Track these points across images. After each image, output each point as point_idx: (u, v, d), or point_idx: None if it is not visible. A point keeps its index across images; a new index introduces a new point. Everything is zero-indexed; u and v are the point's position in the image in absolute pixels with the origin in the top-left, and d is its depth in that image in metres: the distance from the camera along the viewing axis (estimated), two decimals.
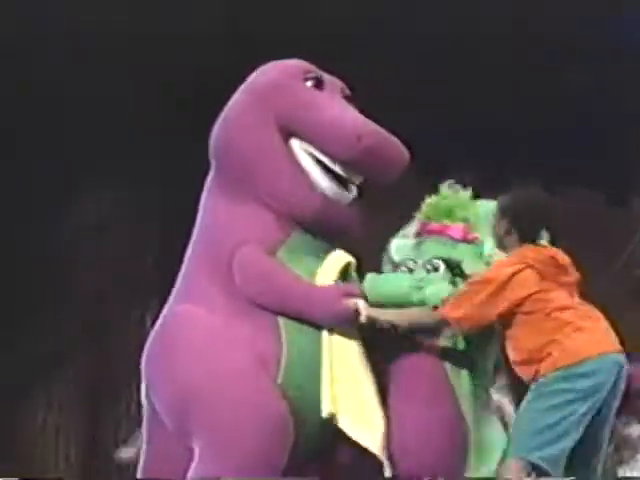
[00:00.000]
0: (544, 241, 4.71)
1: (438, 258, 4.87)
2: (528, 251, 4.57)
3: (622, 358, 4.56)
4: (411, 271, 4.89)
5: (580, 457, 4.43)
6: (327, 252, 4.84)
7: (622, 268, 10.15)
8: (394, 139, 4.90)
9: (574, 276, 4.66)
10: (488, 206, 4.98)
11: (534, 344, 4.49)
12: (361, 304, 4.62)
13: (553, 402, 4.41)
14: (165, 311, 4.99)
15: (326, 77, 5.13)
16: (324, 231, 4.87)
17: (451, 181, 5.14)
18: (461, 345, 4.83)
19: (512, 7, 9.54)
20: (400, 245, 5.14)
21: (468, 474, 4.73)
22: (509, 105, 9.73)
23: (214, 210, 5.06)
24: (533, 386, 4.48)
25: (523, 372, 4.56)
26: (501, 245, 4.72)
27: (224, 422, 4.53)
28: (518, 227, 4.61)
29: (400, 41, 9.72)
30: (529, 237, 4.60)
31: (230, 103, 5.09)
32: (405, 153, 4.92)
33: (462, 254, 4.89)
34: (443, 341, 4.84)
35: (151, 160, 9.80)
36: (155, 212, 10.05)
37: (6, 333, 9.76)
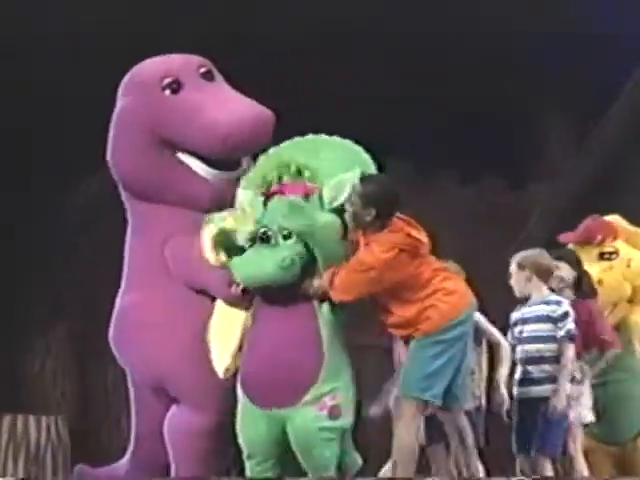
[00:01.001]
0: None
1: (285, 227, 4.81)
2: (394, 237, 4.73)
3: (474, 309, 5.02)
4: (269, 238, 4.79)
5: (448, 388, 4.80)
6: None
7: (521, 246, 10.73)
8: (256, 117, 4.98)
9: (427, 242, 4.84)
10: (321, 151, 4.96)
11: (411, 312, 4.76)
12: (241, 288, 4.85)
13: (434, 352, 4.69)
14: (120, 300, 5.28)
15: (181, 72, 5.13)
16: (220, 207, 4.99)
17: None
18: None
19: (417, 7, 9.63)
20: (251, 200, 4.97)
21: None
22: (427, 100, 9.85)
23: (137, 214, 5.28)
24: (415, 341, 4.78)
25: (399, 333, 4.95)
26: (360, 225, 4.77)
27: (186, 387, 4.96)
28: (383, 215, 4.74)
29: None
30: (388, 222, 4.74)
31: (113, 118, 5.25)
32: (267, 125, 5.02)
33: (310, 211, 4.80)
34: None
35: None
36: None
37: (10, 290, 9.98)
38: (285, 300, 4.77)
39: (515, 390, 5.58)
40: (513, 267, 5.50)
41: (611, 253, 6.25)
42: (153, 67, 5.15)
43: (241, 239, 4.77)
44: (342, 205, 4.74)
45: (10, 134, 9.50)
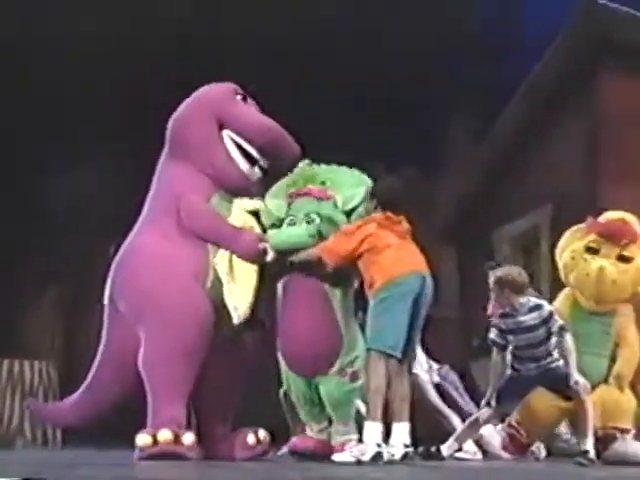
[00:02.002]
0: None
1: (311, 213, 5.17)
2: (376, 216, 5.06)
3: (426, 276, 4.98)
4: (294, 224, 5.18)
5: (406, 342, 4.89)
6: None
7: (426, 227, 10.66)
8: (289, 136, 5.47)
9: (404, 226, 5.05)
10: (339, 172, 5.43)
11: (367, 276, 4.96)
12: (269, 247, 5.13)
13: (384, 306, 4.84)
14: (130, 239, 5.33)
15: (248, 96, 5.68)
16: (237, 193, 5.35)
17: (307, 160, 5.50)
18: (335, 278, 5.15)
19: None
20: (278, 204, 5.35)
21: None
22: (361, 104, 10.08)
23: (168, 172, 5.44)
24: (371, 300, 4.92)
25: (368, 294, 5.00)
26: (368, 214, 5.11)
27: (168, 317, 4.94)
28: (382, 206, 5.06)
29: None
30: (388, 209, 5.03)
31: (186, 103, 5.55)
32: (296, 147, 5.51)
33: (325, 208, 5.21)
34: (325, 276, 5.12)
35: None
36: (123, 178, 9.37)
37: (10, 258, 10.17)
38: (307, 286, 5.15)
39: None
40: (492, 284, 5.46)
41: (630, 259, 5.95)
42: (228, 84, 5.64)
43: (268, 222, 5.27)
44: (353, 209, 5.21)
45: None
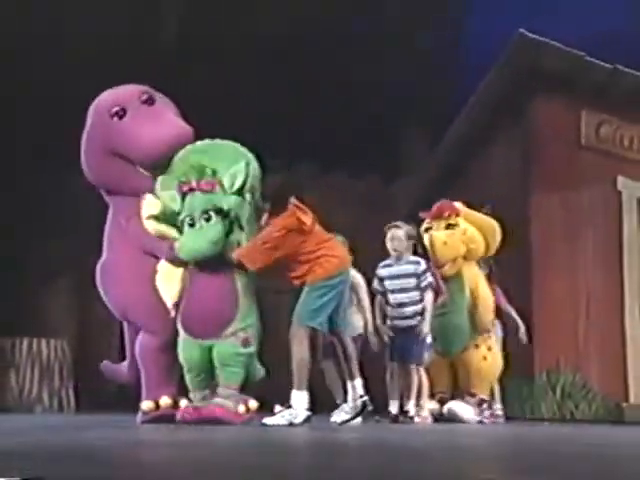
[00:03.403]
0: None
1: (208, 209, 4.85)
2: (285, 220, 4.90)
3: (350, 269, 5.16)
4: (193, 224, 4.87)
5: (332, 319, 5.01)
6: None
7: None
8: (175, 135, 5.01)
9: (312, 222, 4.93)
10: (219, 152, 5.04)
11: (302, 270, 4.91)
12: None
13: (318, 294, 4.86)
14: (102, 258, 5.33)
15: (126, 101, 5.09)
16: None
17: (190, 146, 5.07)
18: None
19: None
20: (171, 195, 4.95)
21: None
22: (330, 116, 9.77)
23: (110, 202, 5.34)
24: (306, 287, 4.88)
25: (296, 282, 4.98)
26: (263, 211, 5.02)
27: (144, 321, 5.05)
28: (272, 201, 4.99)
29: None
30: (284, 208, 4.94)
31: (83, 138, 5.23)
32: (185, 139, 5.05)
33: (216, 199, 4.90)
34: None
35: None
36: None
37: (30, 246, 9.98)
38: (211, 264, 4.91)
39: (392, 323, 5.95)
40: (402, 235, 5.88)
41: (453, 225, 6.39)
42: (106, 98, 5.20)
43: (164, 215, 4.96)
44: (240, 189, 4.91)
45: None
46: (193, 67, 9.11)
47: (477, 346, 6.30)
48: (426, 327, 5.79)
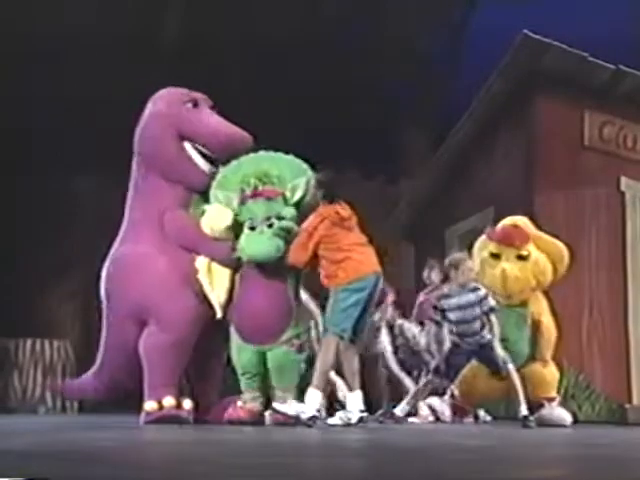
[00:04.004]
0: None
1: (270, 216, 5.04)
2: (323, 210, 5.01)
3: (379, 275, 5.03)
4: (254, 228, 5.05)
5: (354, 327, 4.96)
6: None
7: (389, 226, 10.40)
8: (238, 131, 5.30)
9: (353, 220, 5.06)
10: (282, 164, 5.23)
11: (330, 270, 4.96)
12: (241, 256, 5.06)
13: (344, 297, 4.88)
14: (117, 248, 5.27)
15: (198, 97, 5.43)
16: (203, 190, 5.29)
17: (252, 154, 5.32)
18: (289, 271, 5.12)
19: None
20: (227, 196, 5.14)
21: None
22: (332, 120, 9.84)
23: (144, 185, 5.33)
24: (332, 291, 4.95)
25: (326, 283, 5.05)
26: (314, 203, 5.10)
27: (162, 317, 5.04)
28: (324, 196, 5.09)
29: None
30: (327, 200, 5.07)
31: (146, 116, 5.37)
32: (248, 138, 5.36)
33: (277, 207, 5.08)
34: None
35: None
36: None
37: (36, 247, 9.97)
38: (266, 270, 5.05)
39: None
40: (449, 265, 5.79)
41: (525, 257, 6.16)
42: (175, 90, 5.48)
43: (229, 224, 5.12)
44: (299, 200, 5.13)
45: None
46: (194, 68, 9.10)
47: (533, 360, 6.12)
48: (499, 351, 5.68)
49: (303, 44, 9.48)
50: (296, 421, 4.73)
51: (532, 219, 7.20)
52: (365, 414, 4.91)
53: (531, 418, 5.48)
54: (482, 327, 5.66)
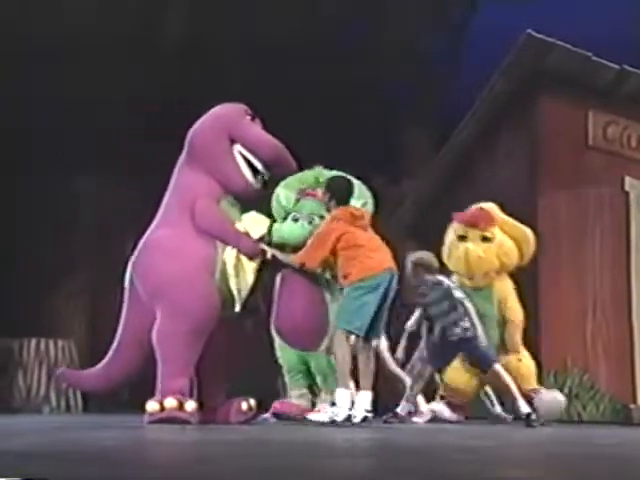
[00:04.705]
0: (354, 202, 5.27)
1: (313, 214, 5.38)
2: (337, 211, 5.10)
3: (393, 272, 5.02)
4: (297, 220, 5.39)
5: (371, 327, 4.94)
6: (238, 211, 5.35)
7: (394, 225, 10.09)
8: (285, 150, 5.43)
9: (366, 220, 5.13)
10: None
11: (345, 269, 4.97)
12: (267, 247, 5.15)
13: (355, 295, 4.88)
14: (150, 232, 5.28)
15: (256, 115, 5.62)
16: (241, 198, 5.38)
17: (320, 166, 5.71)
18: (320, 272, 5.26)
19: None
20: (287, 196, 5.52)
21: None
22: (332, 120, 9.80)
23: (185, 177, 5.38)
24: (345, 288, 4.97)
25: (341, 283, 5.08)
26: (327, 208, 5.21)
27: (181, 301, 4.91)
28: (335, 199, 5.14)
29: None
30: (341, 204, 5.12)
31: (204, 118, 5.51)
32: (294, 162, 5.51)
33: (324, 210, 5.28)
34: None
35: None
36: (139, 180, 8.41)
37: (42, 247, 9.94)
38: (307, 275, 5.22)
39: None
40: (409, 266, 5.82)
41: (490, 238, 6.32)
42: (239, 105, 5.59)
43: (275, 210, 5.47)
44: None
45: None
46: (196, 68, 9.10)
47: (507, 352, 6.18)
48: (483, 340, 5.68)
49: (303, 44, 9.44)
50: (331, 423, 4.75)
51: (535, 219, 7.26)
52: (370, 415, 4.89)
53: (534, 417, 5.44)
54: (462, 317, 5.64)
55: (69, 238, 10.05)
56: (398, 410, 5.90)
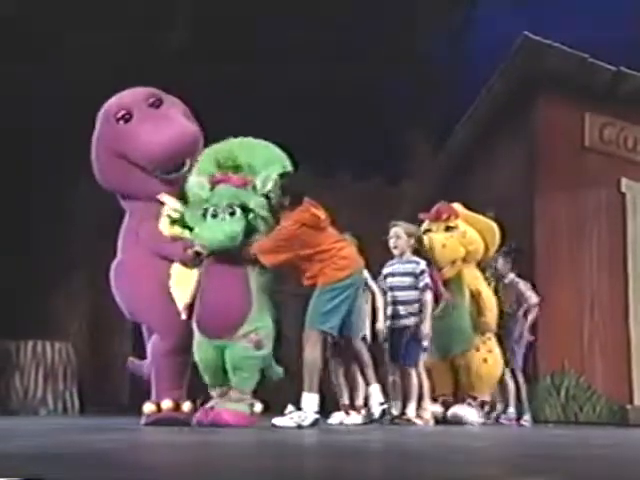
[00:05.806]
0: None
1: (233, 204, 4.81)
2: (300, 215, 4.85)
3: (362, 267, 5.09)
4: (216, 215, 4.80)
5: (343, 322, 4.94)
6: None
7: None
8: (180, 136, 4.94)
9: (325, 218, 4.92)
10: (256, 152, 4.99)
11: (314, 270, 4.86)
12: (199, 248, 4.90)
13: (329, 296, 4.80)
14: (116, 260, 5.29)
15: (132, 104, 5.04)
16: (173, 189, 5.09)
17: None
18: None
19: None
20: (200, 183, 4.92)
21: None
22: (331, 122, 9.83)
23: (125, 206, 5.31)
24: (317, 289, 4.84)
25: (307, 283, 4.93)
26: (281, 207, 4.92)
27: (153, 324, 5.03)
28: (291, 201, 4.91)
29: None
30: (299, 204, 4.89)
31: (93, 142, 5.23)
32: (191, 139, 5.02)
33: (244, 196, 4.88)
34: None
35: None
36: None
37: (41, 248, 9.92)
38: (226, 263, 4.86)
39: (389, 322, 5.97)
40: (401, 232, 5.92)
41: (453, 227, 6.44)
42: (112, 103, 5.16)
43: (190, 219, 4.93)
44: (269, 192, 4.91)
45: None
46: (198, 68, 9.11)
47: (477, 349, 6.35)
48: (425, 329, 5.74)
49: (303, 44, 9.45)
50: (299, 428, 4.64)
51: (533, 220, 7.29)
52: (386, 406, 4.90)
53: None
54: (416, 300, 5.78)
55: (66, 239, 10.03)
56: (393, 410, 5.89)
